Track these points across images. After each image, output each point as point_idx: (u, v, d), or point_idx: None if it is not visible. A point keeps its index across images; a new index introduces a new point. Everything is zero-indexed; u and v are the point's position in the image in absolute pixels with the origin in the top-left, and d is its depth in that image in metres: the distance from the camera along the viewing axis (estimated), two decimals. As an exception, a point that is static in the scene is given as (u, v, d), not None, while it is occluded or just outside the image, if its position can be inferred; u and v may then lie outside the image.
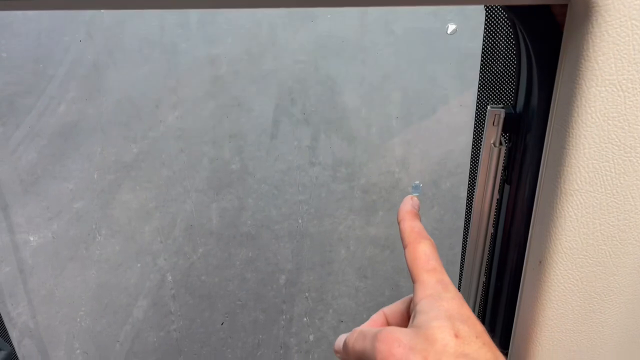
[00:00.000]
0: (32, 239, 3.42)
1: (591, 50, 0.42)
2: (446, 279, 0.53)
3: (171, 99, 4.60)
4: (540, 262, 0.52)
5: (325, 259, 3.29)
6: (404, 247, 0.56)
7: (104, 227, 3.51)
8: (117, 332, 2.90)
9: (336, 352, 0.57)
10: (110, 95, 4.68)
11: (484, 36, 0.60)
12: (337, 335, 2.85)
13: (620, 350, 0.56)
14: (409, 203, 0.60)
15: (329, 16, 5.27)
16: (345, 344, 0.55)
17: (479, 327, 0.49)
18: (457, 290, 0.53)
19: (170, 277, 3.19)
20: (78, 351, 2.83)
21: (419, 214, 0.59)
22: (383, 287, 3.11)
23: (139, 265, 3.27)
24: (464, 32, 4.82)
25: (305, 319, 2.98)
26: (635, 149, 0.44)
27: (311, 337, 2.90)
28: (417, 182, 0.63)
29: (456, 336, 0.47)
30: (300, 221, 3.51)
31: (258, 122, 4.34)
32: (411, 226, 0.57)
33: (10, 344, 0.84)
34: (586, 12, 0.41)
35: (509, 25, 0.58)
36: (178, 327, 2.93)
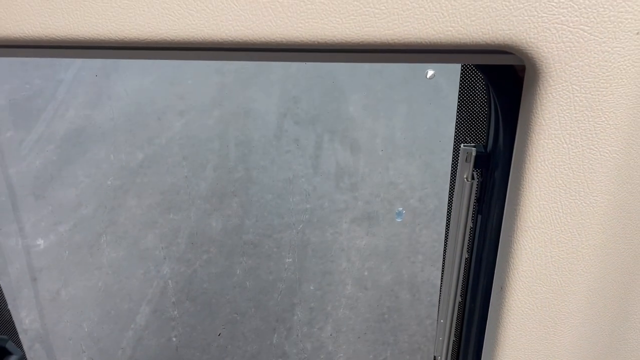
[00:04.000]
0: (38, 243, 3.49)
1: (539, 108, 0.48)
2: None
3: (177, 107, 4.68)
4: (501, 288, 0.58)
5: (326, 269, 3.33)
6: None
7: (108, 232, 3.57)
8: (119, 338, 2.96)
9: None
10: (117, 101, 4.77)
11: (460, 86, 0.67)
12: (335, 345, 2.89)
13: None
14: None
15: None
16: None
17: None
18: None
19: (172, 284, 3.24)
20: (85, 358, 2.89)
21: None
22: (383, 299, 3.16)
23: (142, 271, 3.33)
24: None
25: (305, 329, 3.03)
26: (579, 193, 0.51)
27: (310, 347, 2.95)
28: (401, 208, 0.69)
29: None
30: (302, 231, 3.57)
31: (263, 131, 4.41)
32: None
33: (21, 348, 0.90)
34: (537, 75, 0.47)
35: (481, 79, 0.65)
36: (179, 334, 2.98)
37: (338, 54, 0.58)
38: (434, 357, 0.88)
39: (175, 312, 3.09)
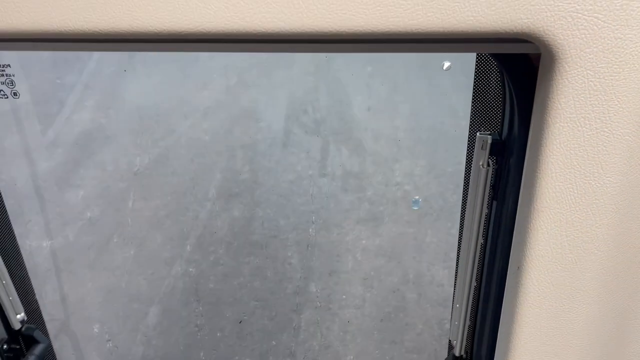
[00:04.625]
0: (45, 244, 3.51)
1: (555, 93, 0.51)
2: None
3: (183, 109, 4.71)
4: (518, 268, 0.61)
5: (333, 269, 3.36)
6: None
7: (115, 234, 3.60)
8: (128, 338, 2.98)
9: None
10: (123, 104, 4.79)
11: (475, 75, 0.70)
12: (343, 344, 2.91)
13: (589, 345, 0.64)
14: None
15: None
16: None
17: None
18: None
19: (180, 285, 3.27)
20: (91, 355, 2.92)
21: None
22: (389, 298, 3.18)
23: (150, 272, 3.35)
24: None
25: (312, 328, 3.05)
26: (593, 174, 0.53)
27: (318, 346, 2.97)
28: (417, 197, 0.72)
29: None
30: (308, 231, 3.59)
31: (268, 132, 4.43)
32: None
33: (48, 337, 0.93)
34: (553, 62, 0.50)
35: (496, 68, 0.68)
36: (187, 334, 3.00)
37: (356, 44, 0.61)
38: (449, 340, 0.91)
39: (184, 312, 3.12)
